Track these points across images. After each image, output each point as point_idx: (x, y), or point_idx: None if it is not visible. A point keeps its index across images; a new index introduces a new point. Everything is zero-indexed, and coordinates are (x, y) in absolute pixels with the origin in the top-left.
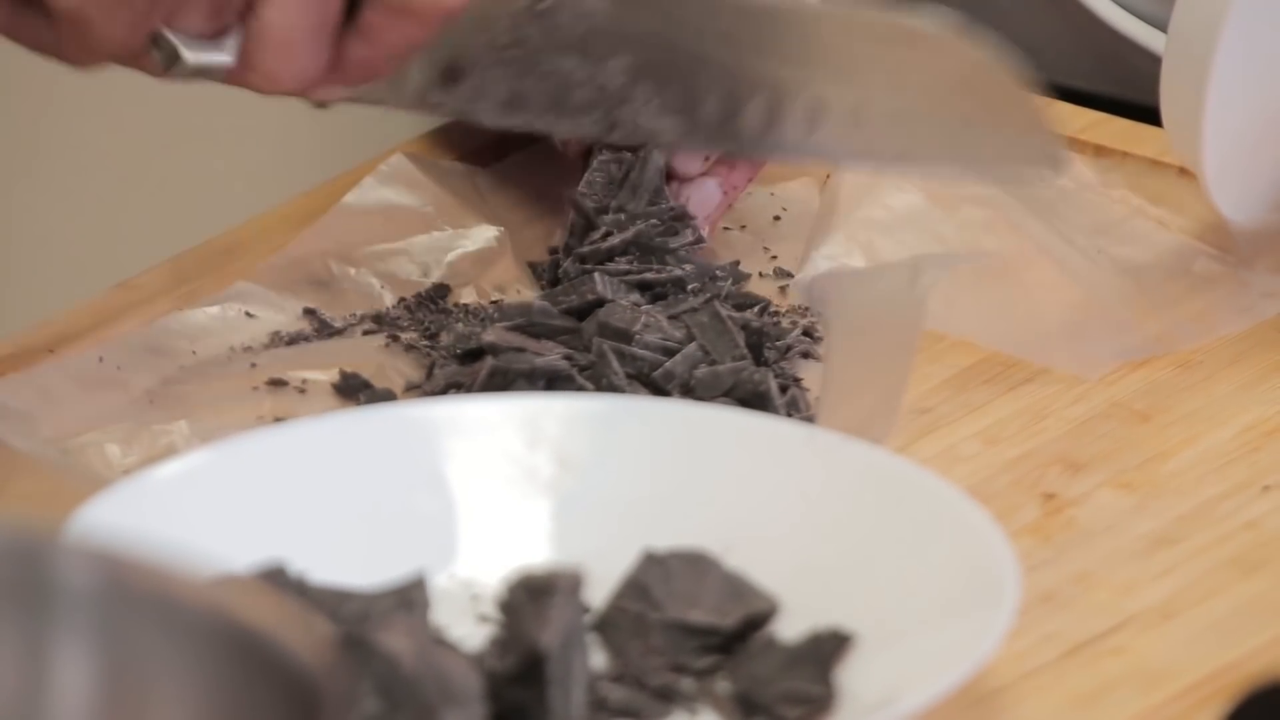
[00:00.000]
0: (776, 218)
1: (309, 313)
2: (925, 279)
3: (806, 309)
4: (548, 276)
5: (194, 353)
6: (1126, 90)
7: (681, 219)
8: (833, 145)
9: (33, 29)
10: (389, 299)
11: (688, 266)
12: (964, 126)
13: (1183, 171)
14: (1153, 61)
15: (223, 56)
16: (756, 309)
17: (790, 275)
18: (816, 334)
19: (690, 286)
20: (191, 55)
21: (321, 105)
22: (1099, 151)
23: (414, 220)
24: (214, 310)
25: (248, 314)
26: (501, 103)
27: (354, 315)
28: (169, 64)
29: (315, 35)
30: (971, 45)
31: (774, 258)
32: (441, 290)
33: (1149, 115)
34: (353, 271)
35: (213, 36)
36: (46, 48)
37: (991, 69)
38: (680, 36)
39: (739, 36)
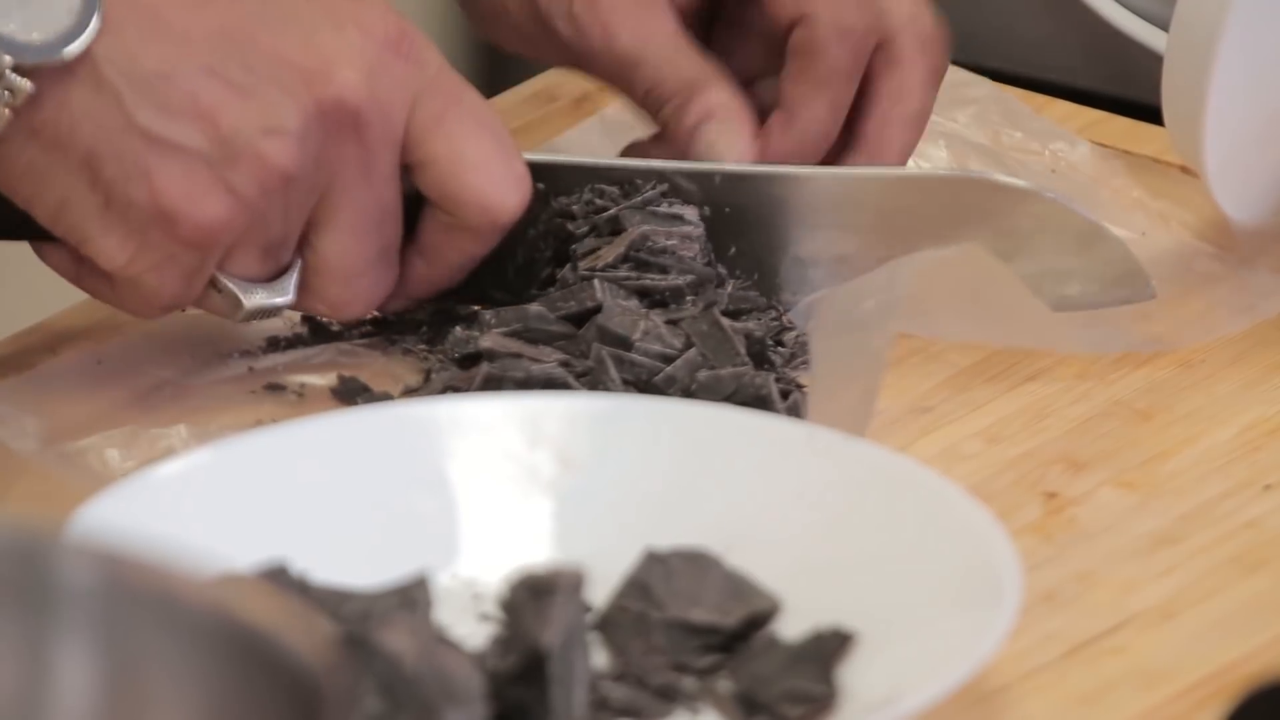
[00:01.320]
0: None
1: (307, 319)
2: (898, 281)
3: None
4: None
5: (192, 356)
6: (1128, 89)
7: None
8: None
9: (93, 281)
10: None
11: (688, 276)
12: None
13: (1184, 170)
14: (1154, 60)
15: (283, 298)
16: (755, 315)
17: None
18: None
19: (689, 299)
20: (250, 300)
21: (393, 313)
22: (1100, 150)
23: None
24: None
25: (244, 324)
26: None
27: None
28: (232, 309)
29: (376, 263)
30: (1060, 204)
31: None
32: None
33: (1150, 114)
34: None
35: (272, 277)
36: (108, 299)
37: (1086, 227)
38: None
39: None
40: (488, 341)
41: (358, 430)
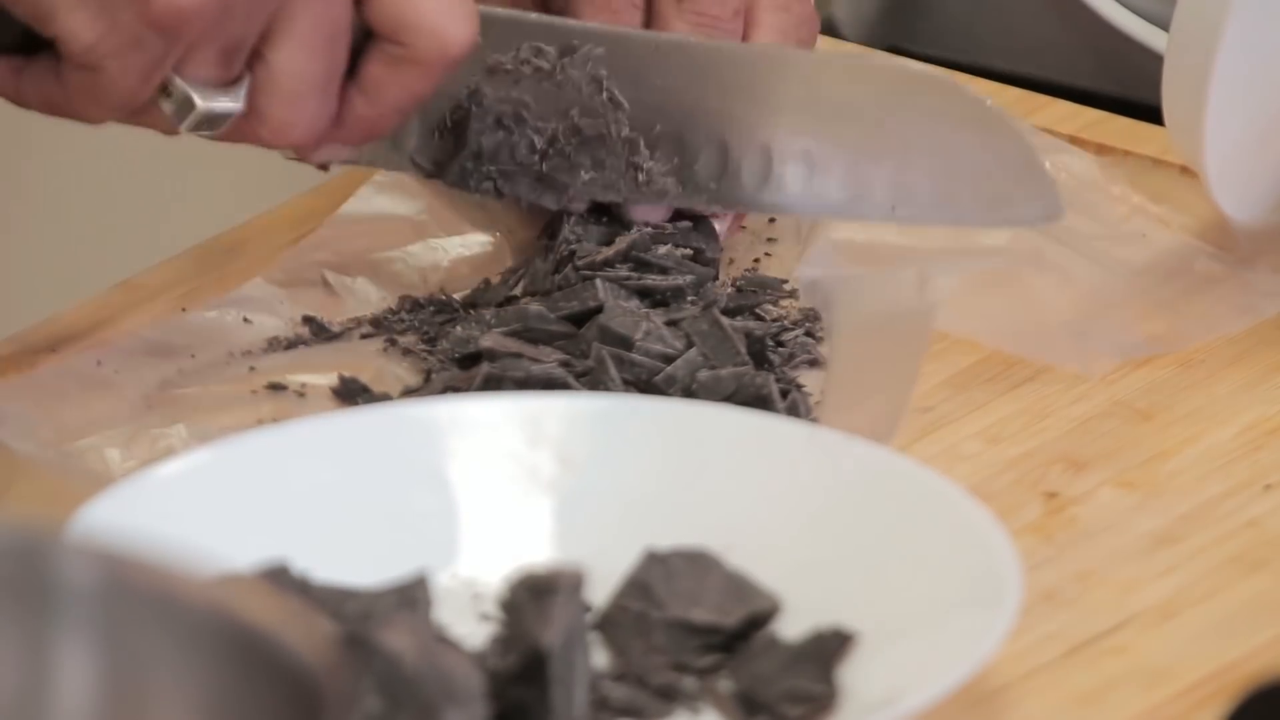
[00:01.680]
0: (772, 220)
1: (308, 320)
2: (934, 286)
3: (804, 313)
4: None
5: (193, 356)
6: (1128, 89)
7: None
8: (823, 198)
9: (40, 86)
10: (389, 304)
11: (688, 276)
12: (957, 176)
13: (1184, 170)
14: (1154, 60)
15: (234, 104)
16: (753, 314)
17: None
18: (818, 334)
19: (689, 299)
20: (203, 102)
21: (323, 168)
22: (1100, 150)
23: (409, 229)
24: (213, 314)
25: (245, 319)
26: (496, 169)
27: (353, 320)
28: (181, 111)
29: (322, 86)
30: (967, 91)
31: (768, 255)
32: (439, 302)
33: (1151, 114)
34: (350, 281)
35: (223, 85)
36: (55, 104)
37: (987, 115)
38: (678, 94)
39: (731, 86)
40: (488, 341)
41: (358, 430)
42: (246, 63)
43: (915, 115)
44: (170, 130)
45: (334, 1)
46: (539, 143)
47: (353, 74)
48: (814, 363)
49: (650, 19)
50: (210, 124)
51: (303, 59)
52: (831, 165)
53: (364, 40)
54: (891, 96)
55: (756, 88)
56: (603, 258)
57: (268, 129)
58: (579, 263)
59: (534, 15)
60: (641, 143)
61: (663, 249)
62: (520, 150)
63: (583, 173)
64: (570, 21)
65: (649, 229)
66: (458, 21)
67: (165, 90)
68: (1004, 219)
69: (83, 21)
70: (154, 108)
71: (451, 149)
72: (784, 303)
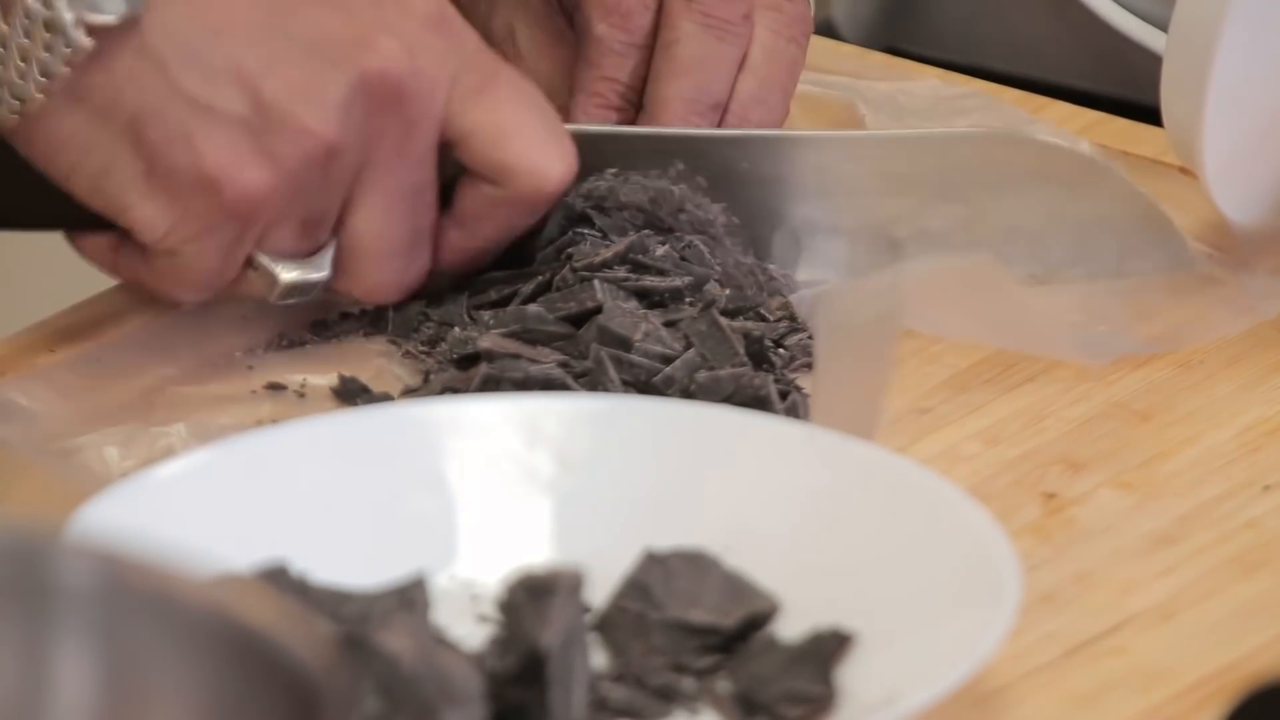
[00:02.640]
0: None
1: (311, 324)
2: (905, 280)
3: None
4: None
5: (198, 356)
6: (1127, 90)
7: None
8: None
9: (130, 265)
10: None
11: (686, 278)
12: (1086, 237)
13: (1183, 171)
14: (1153, 61)
15: (319, 274)
16: (756, 314)
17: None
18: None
19: (688, 300)
20: (287, 275)
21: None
22: (1099, 151)
23: None
24: (213, 313)
25: (244, 324)
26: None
27: (353, 315)
28: (268, 285)
29: (410, 243)
30: (1082, 152)
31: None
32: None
33: (1149, 115)
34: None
35: (308, 254)
36: (145, 283)
37: (1108, 175)
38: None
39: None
40: (486, 342)
41: (357, 430)
42: (332, 229)
43: (1034, 184)
44: (265, 299)
45: (414, 161)
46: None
47: (449, 204)
48: (811, 365)
49: (660, 20)
50: (300, 293)
51: (384, 223)
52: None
53: (460, 173)
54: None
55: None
56: (601, 259)
57: (360, 290)
58: (577, 264)
59: (627, 129)
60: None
61: (660, 250)
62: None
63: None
64: (661, 132)
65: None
66: (554, 160)
67: (251, 264)
68: (1135, 269)
69: (155, 213)
70: (243, 280)
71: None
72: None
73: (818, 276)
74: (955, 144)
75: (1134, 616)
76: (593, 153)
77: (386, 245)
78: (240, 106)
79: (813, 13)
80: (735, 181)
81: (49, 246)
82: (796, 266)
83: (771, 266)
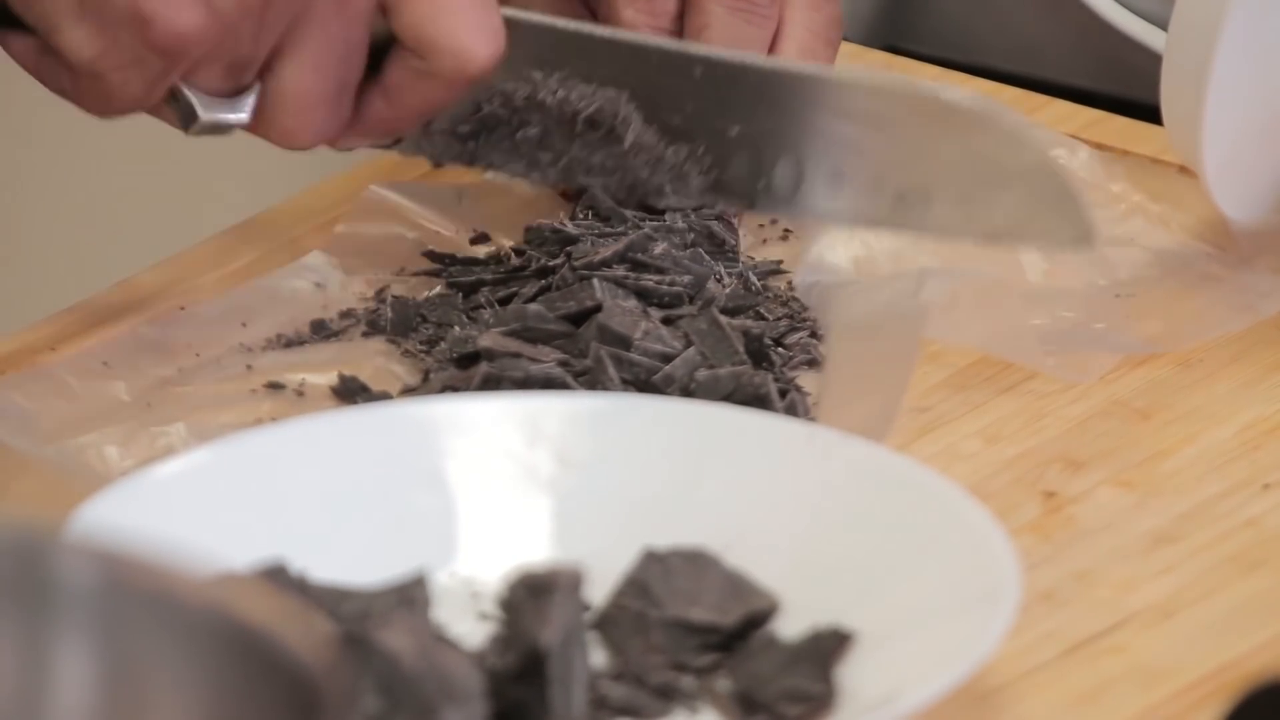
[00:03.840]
0: (774, 221)
1: (312, 322)
2: (928, 290)
3: (804, 312)
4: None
5: (198, 355)
6: (1127, 88)
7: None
8: (855, 211)
9: (54, 74)
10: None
11: (686, 277)
12: (989, 201)
13: (1183, 169)
14: (1153, 59)
15: (238, 115)
16: (756, 313)
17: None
18: (819, 332)
19: (687, 295)
20: (206, 114)
21: (343, 150)
22: (1099, 150)
23: (404, 246)
24: (213, 312)
25: (243, 325)
26: (521, 159)
27: (353, 315)
28: (186, 119)
29: (334, 98)
30: (1003, 117)
31: (765, 241)
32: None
33: (1149, 113)
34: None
35: (230, 94)
36: (68, 95)
37: (1023, 141)
38: (706, 102)
39: (766, 101)
40: (486, 341)
41: (357, 429)
42: (257, 74)
43: (945, 136)
44: (180, 129)
45: (348, 22)
46: (539, 130)
47: (376, 73)
48: (813, 363)
49: (688, 3)
50: (216, 131)
51: (311, 76)
52: (862, 180)
53: (389, 43)
54: (924, 119)
55: (787, 106)
56: (600, 258)
57: (275, 136)
58: (576, 262)
59: (561, 21)
60: (663, 151)
61: (659, 248)
62: (526, 132)
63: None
64: (597, 30)
65: (651, 223)
66: (482, 41)
67: (173, 95)
68: (1035, 241)
69: (82, 38)
70: (162, 108)
71: (461, 137)
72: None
73: (818, 266)
74: (895, 92)
75: (1134, 615)
76: (529, 44)
77: (309, 97)
78: None
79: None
80: (670, 96)
81: (49, 247)
82: (793, 204)
83: (714, 225)
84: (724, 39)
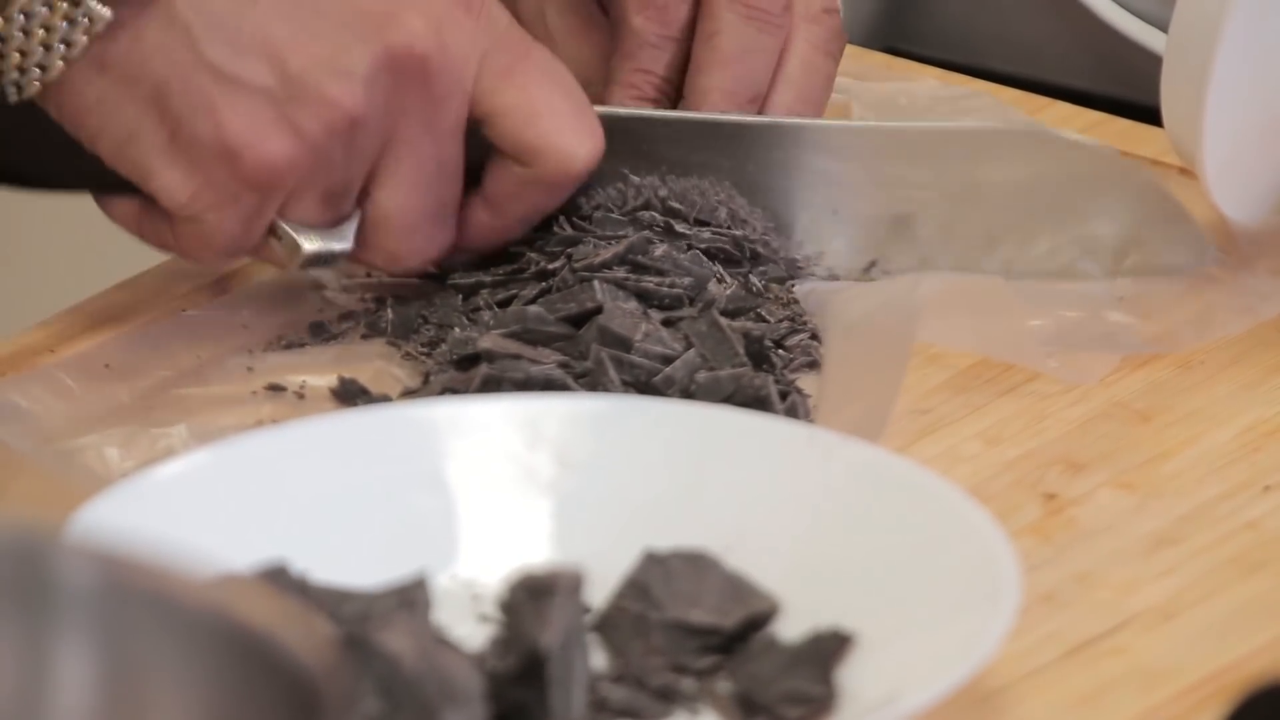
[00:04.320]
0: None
1: (312, 324)
2: (922, 290)
3: (805, 315)
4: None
5: (198, 357)
6: (1127, 90)
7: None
8: (966, 259)
9: (155, 228)
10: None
11: (686, 279)
12: (1102, 229)
13: (1183, 171)
14: (1153, 61)
15: (341, 245)
16: (756, 315)
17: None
18: (819, 334)
19: (687, 297)
20: (309, 245)
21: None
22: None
23: None
24: (214, 314)
25: (244, 327)
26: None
27: (353, 316)
28: (290, 254)
29: (434, 217)
30: (1093, 145)
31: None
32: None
33: (1150, 115)
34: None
35: (330, 224)
36: (170, 246)
37: (1124, 168)
38: (795, 166)
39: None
40: (486, 343)
41: (357, 431)
42: (356, 200)
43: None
44: (288, 267)
45: (439, 139)
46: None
47: (477, 184)
48: (813, 365)
49: (700, 10)
50: (322, 262)
51: (409, 198)
52: (974, 229)
53: (489, 152)
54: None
55: (879, 165)
56: (600, 260)
57: (381, 260)
58: (576, 264)
59: (649, 112)
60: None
61: (660, 250)
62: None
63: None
64: (691, 116)
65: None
66: (582, 141)
67: (274, 232)
68: (1154, 268)
69: (176, 180)
70: (266, 247)
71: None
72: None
73: (825, 271)
74: (972, 139)
75: (1134, 617)
76: (621, 136)
77: (410, 218)
78: (265, 78)
79: None
80: (765, 171)
81: (49, 247)
82: (822, 253)
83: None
84: (735, 46)
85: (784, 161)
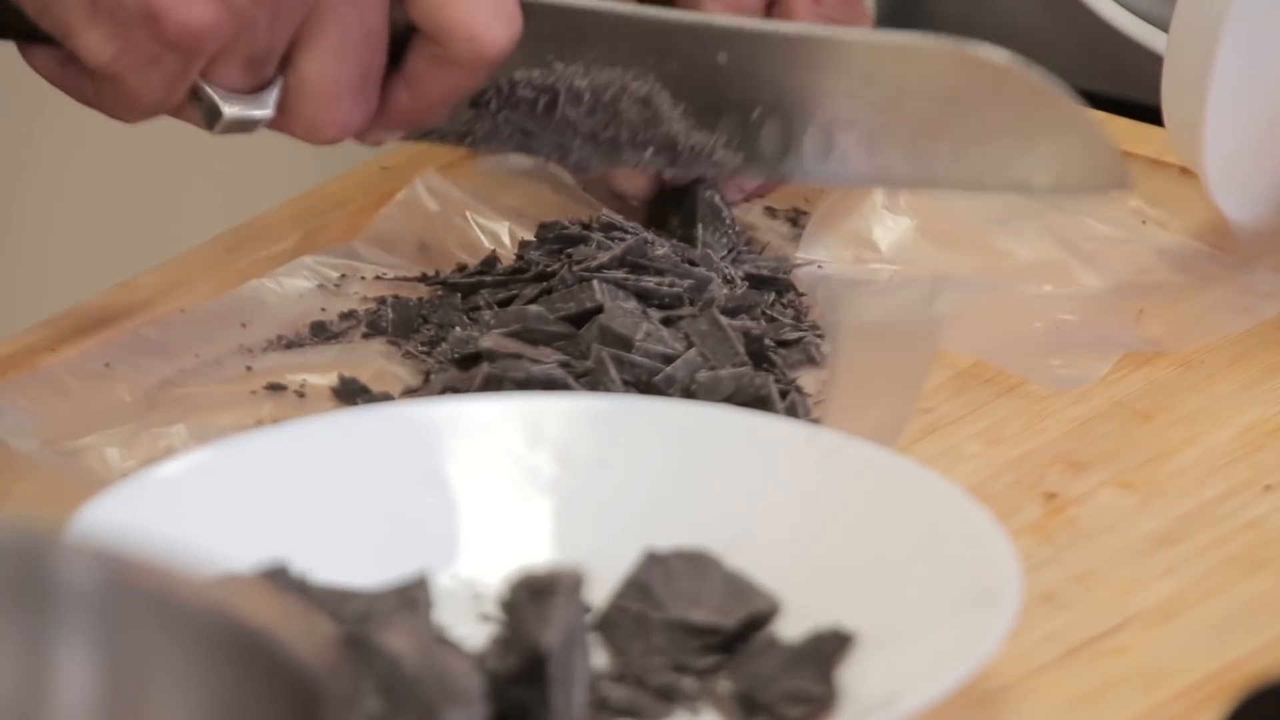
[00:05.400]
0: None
1: (312, 323)
2: (943, 301)
3: (806, 307)
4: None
5: (198, 356)
6: (1128, 90)
7: (749, 244)
8: (884, 170)
9: (77, 82)
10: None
11: (687, 280)
12: (1019, 149)
13: (1184, 171)
14: (1154, 61)
15: (262, 111)
16: (763, 314)
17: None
18: (821, 331)
19: (687, 297)
20: (229, 109)
21: (373, 145)
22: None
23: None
24: (214, 313)
25: (244, 326)
26: (551, 140)
27: (353, 316)
28: (210, 117)
29: (357, 88)
30: (1027, 70)
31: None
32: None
33: (1150, 115)
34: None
35: (252, 90)
36: (90, 101)
37: (1047, 92)
38: (729, 70)
39: (790, 66)
40: (487, 342)
41: (358, 431)
42: (278, 66)
43: (973, 94)
44: (206, 129)
45: (365, 9)
46: (578, 111)
47: (398, 64)
48: (812, 361)
49: (779, 9)
50: (241, 127)
51: (332, 65)
52: (894, 141)
53: (409, 33)
54: (948, 74)
55: (815, 68)
56: (598, 263)
57: (300, 129)
58: (575, 266)
59: (588, 4)
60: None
61: (660, 250)
62: (561, 114)
63: (631, 148)
64: (618, 7)
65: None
66: (496, 25)
67: (195, 94)
68: (1072, 188)
69: (98, 39)
70: (186, 108)
71: (490, 118)
72: (787, 297)
73: (815, 258)
74: (915, 51)
75: (1135, 616)
76: (545, 24)
77: (332, 87)
78: None
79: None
80: (691, 70)
81: (49, 247)
82: (823, 168)
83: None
84: None
85: (710, 62)
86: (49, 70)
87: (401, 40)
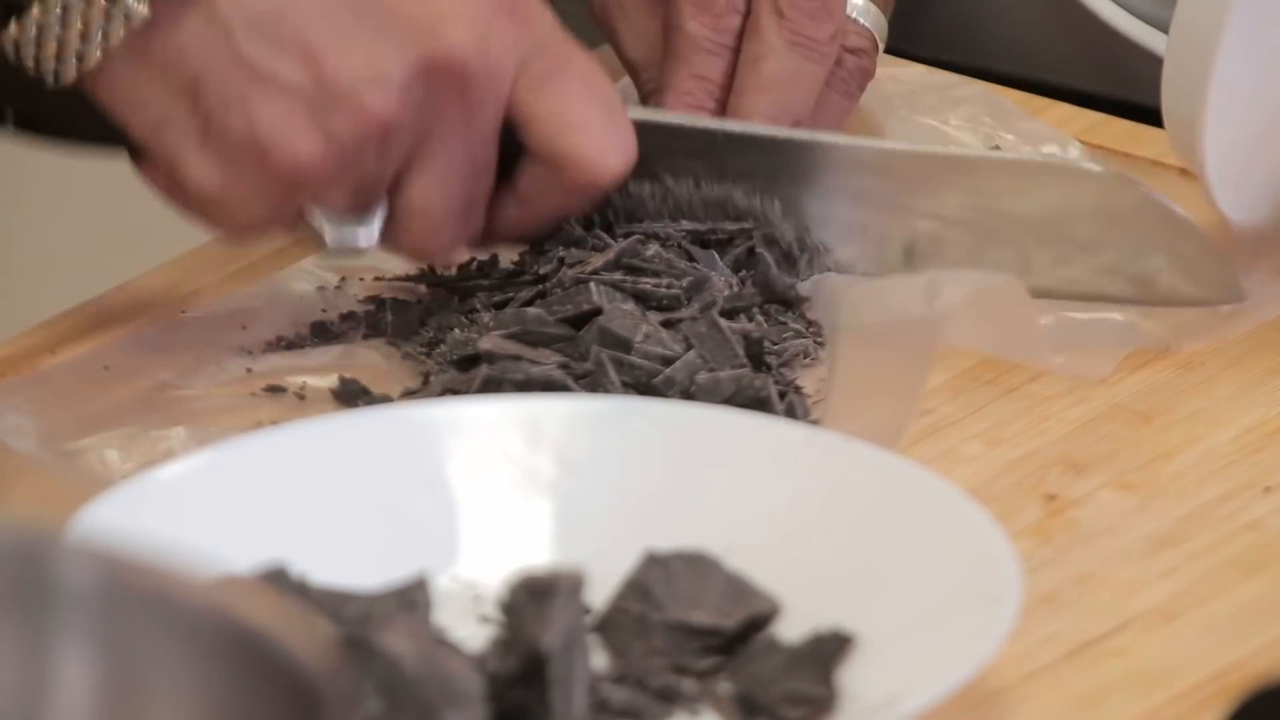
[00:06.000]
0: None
1: (314, 325)
2: (943, 299)
3: (803, 317)
4: None
5: (198, 358)
6: (1127, 91)
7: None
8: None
9: (185, 201)
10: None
11: (686, 280)
12: (1134, 262)
13: (1184, 172)
14: (1154, 62)
15: (367, 235)
16: (751, 315)
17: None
18: (820, 332)
19: (685, 298)
20: (331, 237)
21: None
22: (1100, 153)
23: None
24: (213, 315)
25: (244, 328)
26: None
27: (353, 317)
28: (317, 242)
29: (461, 213)
30: (1136, 184)
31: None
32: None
33: (1150, 116)
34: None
35: (360, 214)
36: (200, 220)
37: (1155, 205)
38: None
39: (905, 184)
40: (487, 344)
41: (358, 432)
42: (387, 191)
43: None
44: (316, 251)
45: (474, 141)
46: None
47: (508, 178)
48: (811, 360)
49: (748, 31)
50: (348, 252)
51: (439, 195)
52: (1003, 254)
53: (523, 150)
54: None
55: (930, 187)
56: (592, 266)
57: (405, 250)
58: (570, 270)
59: (689, 119)
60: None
61: (651, 251)
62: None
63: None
64: (722, 124)
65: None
66: (611, 153)
67: (303, 217)
68: (1185, 301)
69: (205, 170)
70: (295, 232)
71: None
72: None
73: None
74: (1003, 168)
75: (1135, 618)
76: (658, 140)
77: (438, 215)
78: (300, 78)
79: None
80: (797, 185)
81: (49, 247)
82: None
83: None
84: (781, 71)
85: (817, 178)
86: (159, 184)
87: (513, 154)
